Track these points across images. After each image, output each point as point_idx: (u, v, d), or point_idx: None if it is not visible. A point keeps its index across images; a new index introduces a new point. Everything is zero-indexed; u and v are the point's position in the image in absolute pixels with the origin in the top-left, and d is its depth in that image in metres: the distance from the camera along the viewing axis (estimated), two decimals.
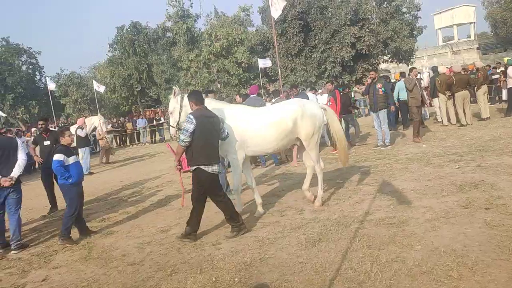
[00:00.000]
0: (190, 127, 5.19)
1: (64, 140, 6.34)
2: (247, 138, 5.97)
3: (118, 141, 27.33)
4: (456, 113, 12.52)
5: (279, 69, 14.59)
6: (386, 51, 30.20)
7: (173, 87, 6.71)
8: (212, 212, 6.60)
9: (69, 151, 6.39)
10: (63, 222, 6.28)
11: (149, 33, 38.28)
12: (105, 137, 16.69)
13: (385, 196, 6.20)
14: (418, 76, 12.45)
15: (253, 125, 5.99)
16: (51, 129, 10.11)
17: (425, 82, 15.90)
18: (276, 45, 15.30)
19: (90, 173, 14.16)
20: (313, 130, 6.12)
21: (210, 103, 5.98)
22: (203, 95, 6.17)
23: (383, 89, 10.81)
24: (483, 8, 52.41)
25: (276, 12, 12.99)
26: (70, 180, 6.15)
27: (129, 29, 37.95)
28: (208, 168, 5.28)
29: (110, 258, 5.27)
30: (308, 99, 11.49)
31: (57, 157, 6.07)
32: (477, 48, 52.54)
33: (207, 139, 5.30)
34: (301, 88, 14.36)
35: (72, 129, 15.13)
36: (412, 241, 4.36)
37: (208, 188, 5.45)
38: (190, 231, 5.50)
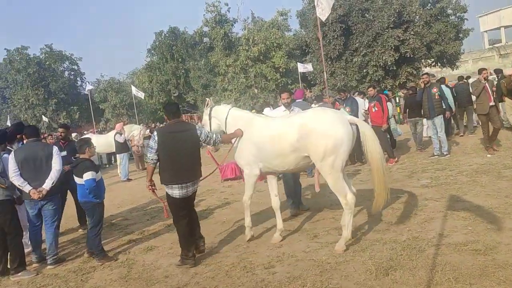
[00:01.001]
0: (152, 144, 4.99)
1: (87, 154, 5.77)
2: (255, 152, 5.35)
3: None
4: None
5: (325, 73, 13.86)
6: (430, 54, 28.89)
7: (207, 98, 6.30)
8: (261, 228, 6.07)
9: (96, 166, 5.96)
10: (92, 243, 5.74)
11: (186, 39, 38.43)
12: (137, 145, 16.40)
13: (458, 214, 5.44)
14: (491, 77, 11.65)
15: (257, 138, 5.33)
16: (71, 138, 9.71)
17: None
18: (322, 48, 14.64)
19: (129, 180, 13.95)
20: (324, 151, 4.80)
21: (232, 112, 5.73)
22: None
23: (439, 92, 9.98)
24: None
25: (323, 13, 12.34)
26: (98, 200, 5.69)
27: (167, 35, 38.25)
28: (175, 191, 4.97)
29: (152, 279, 4.79)
30: (357, 104, 10.84)
31: (91, 175, 5.51)
32: None
33: (171, 156, 4.91)
34: (352, 92, 13.56)
35: (111, 134, 15.06)
36: (509, 274, 3.62)
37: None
38: (183, 255, 5.04)
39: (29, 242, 6.02)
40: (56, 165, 5.62)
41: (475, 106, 10.88)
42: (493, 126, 9.60)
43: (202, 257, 5.30)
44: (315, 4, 12.41)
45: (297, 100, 10.19)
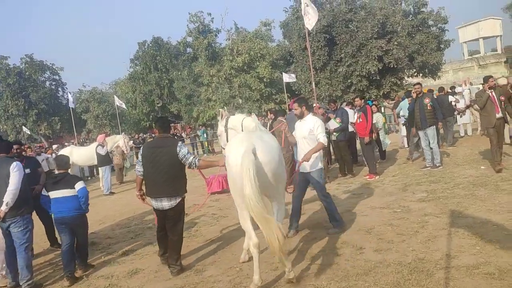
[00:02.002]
0: (139, 156, 5.31)
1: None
2: None
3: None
4: None
5: (313, 83, 13.63)
6: (412, 64, 29.13)
7: (220, 109, 5.93)
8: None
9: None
10: (85, 256, 5.87)
11: (170, 49, 38.08)
12: (117, 154, 15.96)
13: (462, 232, 5.16)
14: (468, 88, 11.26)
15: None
16: (26, 155, 9.34)
17: (466, 100, 14.80)
18: (310, 57, 14.38)
19: (111, 193, 13.42)
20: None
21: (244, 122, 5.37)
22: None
23: (431, 103, 9.81)
24: (511, 21, 50.81)
25: (310, 23, 12.15)
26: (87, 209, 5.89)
27: (150, 45, 37.85)
28: (153, 202, 5.18)
29: None
30: (347, 115, 10.60)
31: (83, 183, 5.80)
32: (505, 62, 50.94)
33: (148, 170, 5.13)
34: (340, 103, 13.40)
35: (93, 146, 14.53)
36: None
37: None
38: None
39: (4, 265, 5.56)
40: (10, 185, 5.08)
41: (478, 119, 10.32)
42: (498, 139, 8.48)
43: (191, 281, 4.91)
44: (303, 13, 12.22)
45: (293, 110, 9.89)
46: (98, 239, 7.67)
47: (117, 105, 25.64)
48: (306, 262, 5.00)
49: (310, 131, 5.86)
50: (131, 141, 17.96)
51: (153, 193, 5.12)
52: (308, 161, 5.81)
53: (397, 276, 4.20)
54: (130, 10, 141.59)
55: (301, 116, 6.11)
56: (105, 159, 13.50)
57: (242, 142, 4.35)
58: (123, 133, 17.70)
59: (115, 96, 28.96)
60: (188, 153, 5.12)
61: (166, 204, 5.07)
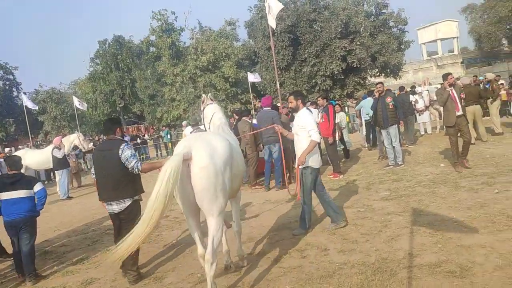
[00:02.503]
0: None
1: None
2: None
3: None
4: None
5: (277, 83, 13.51)
6: (375, 64, 29.72)
7: (203, 95, 5.52)
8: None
9: None
10: (32, 261, 5.57)
11: (132, 48, 37.20)
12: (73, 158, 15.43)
13: (424, 230, 5.18)
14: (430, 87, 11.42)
15: None
16: None
17: (425, 100, 15.16)
18: (274, 57, 14.21)
19: (69, 198, 12.89)
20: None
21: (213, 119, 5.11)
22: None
23: (392, 102, 9.94)
24: (467, 23, 52.89)
25: (273, 21, 12.06)
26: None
27: (111, 43, 36.81)
28: (106, 206, 5.04)
29: None
30: (311, 114, 10.55)
31: (41, 184, 5.84)
32: (461, 62, 52.90)
33: (98, 175, 5.09)
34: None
35: (49, 149, 13.91)
36: None
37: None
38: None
39: None
40: None
41: (437, 117, 10.45)
42: (463, 138, 8.33)
43: None
44: (267, 11, 12.10)
45: (264, 108, 9.73)
46: (52, 247, 7.27)
47: (76, 106, 24.73)
48: (270, 265, 4.87)
49: (301, 127, 5.64)
50: (91, 143, 17.32)
51: (103, 197, 5.02)
52: (303, 164, 5.62)
53: (360, 277, 4.14)
54: (89, 8, 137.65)
55: (295, 110, 5.86)
56: (61, 162, 12.92)
57: (181, 145, 3.98)
58: (76, 131, 17.04)
59: (74, 97, 27.95)
60: (131, 156, 4.78)
61: (115, 207, 4.92)
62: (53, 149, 12.88)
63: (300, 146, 5.64)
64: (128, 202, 4.91)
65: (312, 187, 5.79)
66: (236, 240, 4.97)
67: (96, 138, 28.29)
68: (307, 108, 6.08)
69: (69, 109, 36.36)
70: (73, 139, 14.88)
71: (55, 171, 13.13)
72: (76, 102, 26.33)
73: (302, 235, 5.70)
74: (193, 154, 3.77)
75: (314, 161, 5.70)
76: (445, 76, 8.47)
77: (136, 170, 4.77)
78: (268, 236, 6.00)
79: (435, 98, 14.21)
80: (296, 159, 5.89)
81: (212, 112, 5.13)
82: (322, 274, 4.38)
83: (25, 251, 5.49)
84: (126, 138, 25.92)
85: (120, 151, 4.78)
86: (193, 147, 3.83)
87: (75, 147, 15.65)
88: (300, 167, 5.68)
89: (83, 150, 15.99)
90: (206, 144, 3.90)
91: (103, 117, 37.47)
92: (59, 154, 12.74)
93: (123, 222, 4.99)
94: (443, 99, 8.22)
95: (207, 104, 5.27)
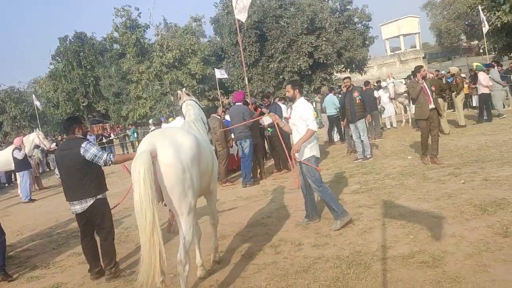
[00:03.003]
0: None
1: None
2: None
3: None
4: None
5: (246, 79, 13.45)
6: (340, 60, 30.15)
7: (179, 91, 5.38)
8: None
9: None
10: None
11: (95, 45, 36.17)
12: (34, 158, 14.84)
13: (396, 222, 5.25)
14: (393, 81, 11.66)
15: None
16: None
17: (391, 93, 15.48)
18: (242, 53, 14.13)
19: (32, 200, 12.38)
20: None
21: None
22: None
23: (360, 97, 10.06)
24: (428, 19, 54.44)
25: (241, 14, 11.91)
26: None
27: (73, 40, 35.64)
28: (71, 207, 4.90)
29: None
30: (281, 110, 10.57)
31: None
32: (423, 57, 54.50)
33: (61, 175, 5.00)
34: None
35: (9, 150, 13.33)
36: None
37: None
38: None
39: None
40: None
41: (412, 110, 10.53)
42: (431, 134, 8.28)
43: None
44: (233, 5, 11.91)
45: (236, 103, 9.60)
46: (15, 252, 6.93)
47: (36, 105, 23.84)
48: (244, 262, 4.81)
49: (299, 117, 5.49)
50: (54, 143, 16.72)
51: (67, 197, 4.91)
52: (298, 152, 5.50)
53: (336, 271, 4.13)
54: (49, 3, 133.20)
55: (292, 100, 5.71)
56: (23, 164, 12.39)
57: (145, 142, 3.78)
58: (36, 129, 16.39)
59: (33, 95, 26.93)
60: (98, 151, 4.66)
61: (78, 207, 4.80)
62: (13, 150, 12.31)
63: (299, 137, 5.50)
64: (90, 202, 4.78)
65: (319, 174, 5.57)
66: (212, 233, 4.94)
67: (59, 138, 27.40)
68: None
69: (29, 108, 35.07)
70: (33, 138, 14.28)
71: (16, 173, 12.55)
72: (35, 101, 25.43)
73: (346, 223, 5.36)
74: (158, 151, 3.61)
75: (316, 150, 5.57)
76: (417, 69, 8.39)
77: (110, 162, 4.69)
78: (241, 233, 5.93)
79: (400, 91, 14.61)
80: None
81: (186, 109, 5.04)
82: (297, 269, 4.35)
83: None
84: (91, 138, 25.29)
85: (82, 150, 4.64)
86: (157, 143, 3.67)
87: (37, 146, 15.05)
88: (302, 159, 5.48)
89: (45, 149, 15.40)
90: (171, 140, 3.74)
91: (66, 116, 36.29)
92: (19, 155, 12.20)
93: (89, 223, 4.91)
94: (416, 92, 8.15)
95: (184, 101, 5.16)
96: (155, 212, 3.38)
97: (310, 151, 5.49)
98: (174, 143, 3.73)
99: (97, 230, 5.00)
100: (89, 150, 4.64)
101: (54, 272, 5.61)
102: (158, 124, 13.19)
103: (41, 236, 7.91)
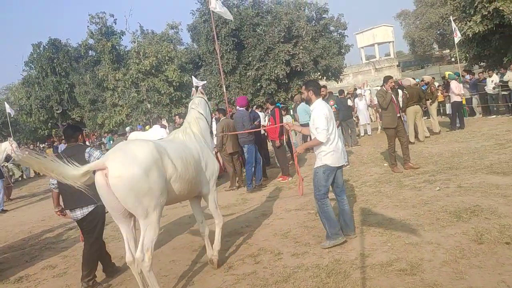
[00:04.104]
0: None
1: None
2: None
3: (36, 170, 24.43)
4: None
5: (223, 86, 13.40)
6: (317, 68, 30.46)
7: (193, 89, 5.50)
8: (169, 262, 5.32)
9: None
10: None
11: (70, 51, 35.50)
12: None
13: (373, 229, 5.30)
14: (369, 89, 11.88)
15: None
16: None
17: (367, 100, 15.73)
18: (220, 61, 14.01)
19: (3, 211, 12.01)
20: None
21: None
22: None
23: (335, 105, 10.19)
24: (401, 28, 55.72)
25: (227, 15, 11.79)
26: None
27: (47, 47, 34.90)
28: (70, 214, 4.95)
29: None
30: (259, 117, 10.59)
31: None
32: (397, 65, 55.64)
33: (60, 183, 4.66)
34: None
35: None
36: None
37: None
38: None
39: None
40: None
41: (378, 119, 10.76)
42: (401, 140, 8.64)
43: None
44: (212, 7, 11.64)
45: (239, 109, 9.52)
46: None
47: (8, 113, 23.19)
48: (223, 272, 4.77)
49: (311, 124, 5.06)
50: (27, 152, 16.20)
51: (67, 205, 4.92)
52: (299, 154, 5.32)
53: (315, 280, 4.14)
54: (22, 9, 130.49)
55: (308, 102, 5.27)
56: None
57: (104, 155, 4.17)
58: (9, 138, 15.90)
59: (5, 103, 26.19)
60: (101, 154, 4.76)
61: (79, 213, 4.85)
62: None
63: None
64: (91, 208, 4.83)
65: (326, 188, 5.08)
66: (216, 233, 5.05)
67: (31, 146, 26.74)
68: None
69: (1, 116, 34.07)
70: (5, 148, 13.85)
71: None
72: (7, 108, 24.72)
73: (337, 245, 4.96)
74: (107, 165, 3.82)
75: (329, 159, 4.98)
76: (386, 79, 8.71)
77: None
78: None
79: (374, 99, 14.86)
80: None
81: (190, 108, 5.24)
82: (277, 279, 4.34)
83: None
84: (65, 146, 24.80)
85: (86, 155, 4.77)
86: (108, 157, 3.93)
87: (8, 157, 14.60)
88: (314, 167, 5.15)
89: (17, 159, 14.95)
90: (123, 153, 3.92)
91: (39, 124, 35.43)
92: None
93: (84, 229, 4.98)
94: (386, 101, 8.44)
95: (192, 99, 5.37)
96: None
97: (322, 159, 5.02)
98: (125, 155, 3.90)
99: (85, 238, 5.02)
100: (93, 154, 4.81)
101: (27, 286, 5.44)
102: (122, 135, 12.99)
103: (14, 248, 7.67)
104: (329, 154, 4.96)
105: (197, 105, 5.26)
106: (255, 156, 9.45)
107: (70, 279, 5.36)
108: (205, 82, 26.40)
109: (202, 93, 5.46)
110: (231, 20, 23.05)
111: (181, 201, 4.92)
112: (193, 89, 5.49)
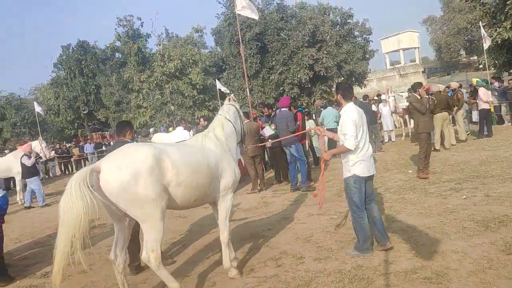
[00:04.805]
0: None
1: None
2: None
3: (62, 168, 25.06)
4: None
5: (247, 90, 13.49)
6: (341, 73, 30.28)
7: (229, 97, 5.43)
8: (192, 264, 5.37)
9: None
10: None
11: (97, 53, 36.31)
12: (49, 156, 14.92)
13: (397, 236, 5.23)
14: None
15: None
16: None
17: (391, 106, 15.54)
18: (244, 64, 14.17)
19: (29, 207, 12.40)
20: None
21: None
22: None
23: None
24: (428, 34, 54.86)
25: (243, 11, 11.79)
26: None
27: (75, 49, 35.80)
28: None
29: None
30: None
31: (2, 192, 5.94)
32: (423, 72, 54.74)
33: None
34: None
35: (9, 157, 13.36)
36: None
37: None
38: None
39: None
40: None
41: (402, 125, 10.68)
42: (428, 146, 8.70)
43: None
44: (238, 9, 11.65)
45: (282, 109, 9.57)
46: (13, 261, 6.88)
47: (37, 112, 23.83)
48: (245, 275, 4.78)
49: (340, 129, 4.83)
50: (53, 151, 16.71)
51: None
52: (327, 161, 5.15)
53: (338, 286, 4.11)
54: (52, 12, 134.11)
55: (339, 106, 5.00)
56: (32, 170, 12.34)
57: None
58: (39, 138, 16.38)
59: (35, 102, 26.92)
60: None
61: None
62: (22, 157, 12.21)
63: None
64: None
65: (361, 198, 4.81)
66: (222, 251, 4.80)
67: (58, 146, 27.42)
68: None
69: (30, 115, 35.03)
70: (34, 146, 14.27)
71: (26, 180, 12.44)
72: (36, 107, 25.41)
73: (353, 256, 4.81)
74: (101, 167, 3.85)
75: (357, 168, 4.73)
76: (417, 86, 8.68)
77: None
78: (241, 245, 5.89)
79: (400, 105, 14.69)
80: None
81: (217, 115, 5.23)
82: (299, 283, 4.32)
83: None
84: (91, 146, 25.29)
85: None
86: (104, 159, 3.99)
87: (36, 155, 15.02)
88: (343, 177, 4.95)
89: (44, 158, 15.39)
90: (117, 157, 3.94)
91: (66, 123, 36.32)
92: (29, 162, 12.05)
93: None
94: (424, 106, 8.40)
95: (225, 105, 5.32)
96: (76, 220, 3.64)
97: (350, 170, 4.77)
98: (119, 159, 3.89)
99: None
100: None
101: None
102: (146, 135, 13.23)
103: (40, 244, 7.87)
104: (357, 163, 4.72)
105: (226, 112, 5.15)
106: (303, 155, 9.42)
107: (95, 276, 5.45)
108: (229, 91, 26.60)
109: (234, 100, 5.35)
110: (256, 20, 23.14)
111: (194, 206, 4.78)
112: (228, 95, 5.43)
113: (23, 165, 12.13)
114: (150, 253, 3.92)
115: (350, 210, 4.96)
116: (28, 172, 12.23)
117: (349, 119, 4.65)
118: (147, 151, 3.97)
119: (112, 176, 3.78)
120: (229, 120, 5.07)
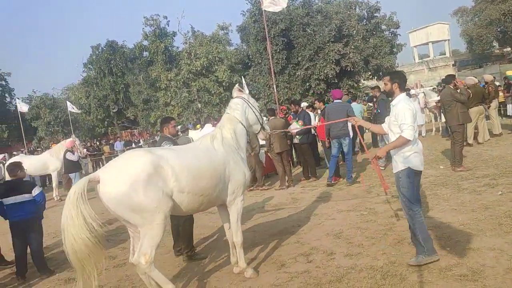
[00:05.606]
0: None
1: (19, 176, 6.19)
2: None
3: (94, 166, 25.68)
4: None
5: (274, 86, 13.56)
6: (368, 68, 29.87)
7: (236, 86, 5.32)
8: (222, 257, 5.43)
9: None
10: (42, 257, 6.13)
11: (125, 52, 37.04)
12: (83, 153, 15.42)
13: (431, 233, 5.07)
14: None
15: None
16: None
17: (421, 103, 15.21)
18: (271, 60, 14.25)
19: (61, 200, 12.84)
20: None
21: None
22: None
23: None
24: (458, 26, 53.27)
25: (272, 7, 11.78)
26: None
27: (104, 48, 36.62)
28: None
29: None
30: (310, 117, 10.56)
31: (39, 189, 6.17)
32: (453, 65, 53.31)
33: None
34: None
35: (45, 155, 13.85)
36: None
37: None
38: None
39: None
40: None
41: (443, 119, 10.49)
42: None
43: None
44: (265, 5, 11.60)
45: (335, 101, 9.56)
46: (52, 254, 7.13)
47: (69, 111, 24.53)
48: (276, 270, 4.81)
49: (394, 120, 4.46)
50: (85, 149, 17.18)
51: None
52: (380, 158, 4.89)
53: (370, 282, 4.09)
54: (82, 13, 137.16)
55: (390, 95, 4.73)
56: (75, 166, 12.88)
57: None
58: (73, 135, 16.89)
59: (67, 102, 27.72)
60: (169, 146, 5.28)
61: None
62: (65, 153, 12.74)
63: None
64: None
65: (415, 194, 4.47)
66: (236, 253, 4.81)
67: (89, 144, 28.12)
68: (408, 94, 4.82)
69: (63, 114, 36.07)
70: (78, 143, 14.79)
71: (69, 174, 13.02)
72: (69, 107, 26.15)
73: (429, 262, 4.27)
74: (100, 177, 3.90)
75: (413, 161, 4.39)
76: (450, 78, 8.69)
77: None
78: (271, 241, 5.93)
79: (429, 100, 14.36)
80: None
81: (225, 113, 5.04)
82: (330, 278, 4.32)
83: (34, 248, 5.91)
84: (120, 143, 25.85)
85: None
86: (102, 169, 4.08)
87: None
88: (395, 171, 4.55)
89: (81, 155, 15.90)
90: (114, 168, 4.01)
91: (97, 122, 37.25)
92: (73, 157, 12.67)
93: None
94: (465, 97, 8.39)
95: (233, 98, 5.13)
96: (76, 229, 3.83)
97: (405, 162, 4.39)
98: (116, 170, 3.96)
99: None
100: (164, 147, 5.18)
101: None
102: (185, 131, 13.43)
103: None
104: (413, 155, 4.38)
105: (233, 110, 4.90)
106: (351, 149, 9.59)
107: (129, 270, 5.58)
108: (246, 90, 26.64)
109: (240, 90, 5.13)
110: (283, 13, 22.88)
111: (202, 211, 4.78)
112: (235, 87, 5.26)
113: (67, 160, 12.68)
114: (141, 255, 3.92)
115: (404, 208, 4.54)
116: (71, 167, 12.75)
117: (407, 108, 4.33)
118: (145, 159, 3.96)
119: (111, 186, 3.82)
120: (237, 118, 4.86)
